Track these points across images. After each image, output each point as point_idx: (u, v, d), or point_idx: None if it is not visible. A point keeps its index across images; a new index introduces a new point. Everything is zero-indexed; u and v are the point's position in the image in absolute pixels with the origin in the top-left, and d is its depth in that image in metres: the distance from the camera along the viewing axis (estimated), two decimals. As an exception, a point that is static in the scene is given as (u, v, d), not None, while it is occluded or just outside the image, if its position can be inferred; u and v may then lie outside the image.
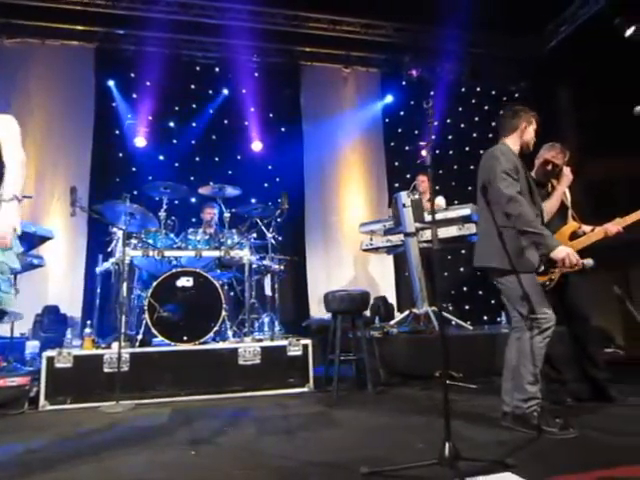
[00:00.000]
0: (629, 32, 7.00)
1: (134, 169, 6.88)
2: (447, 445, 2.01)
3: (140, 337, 4.18)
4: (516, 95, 8.60)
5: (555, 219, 3.51)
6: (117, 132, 6.96)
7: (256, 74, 7.59)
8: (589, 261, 2.75)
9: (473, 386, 4.01)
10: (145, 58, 6.94)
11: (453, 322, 5.41)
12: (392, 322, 5.32)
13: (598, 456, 2.24)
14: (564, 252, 2.66)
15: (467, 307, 7.40)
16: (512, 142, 3.02)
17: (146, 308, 4.15)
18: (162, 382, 3.90)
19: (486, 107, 8.50)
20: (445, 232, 5.11)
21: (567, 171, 3.50)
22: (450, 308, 6.73)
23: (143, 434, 2.87)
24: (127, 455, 2.47)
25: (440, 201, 5.58)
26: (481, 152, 8.73)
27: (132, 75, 7.06)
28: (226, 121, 7.43)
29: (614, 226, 3.33)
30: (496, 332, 4.85)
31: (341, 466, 2.19)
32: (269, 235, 5.47)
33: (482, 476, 1.97)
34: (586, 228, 3.49)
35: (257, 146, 7.44)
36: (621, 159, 7.64)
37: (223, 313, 4.33)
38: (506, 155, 2.89)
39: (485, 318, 7.08)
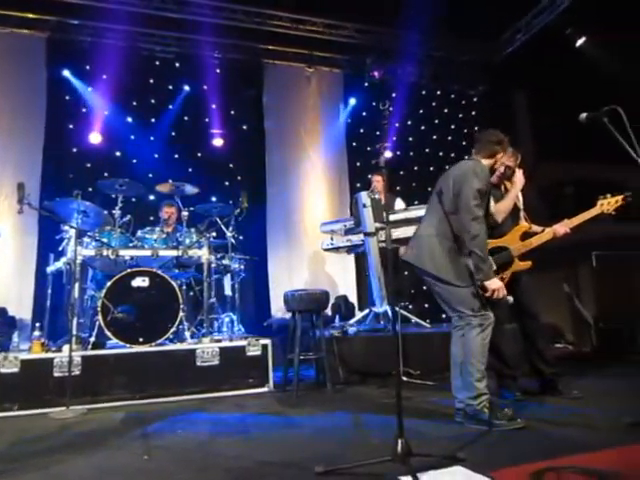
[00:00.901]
0: (579, 42, 7.34)
1: (89, 165, 6.65)
2: (400, 442, 2.04)
3: (93, 339, 4.06)
4: (474, 99, 8.83)
5: (508, 220, 3.63)
6: (71, 126, 6.72)
7: (217, 70, 7.48)
8: (510, 298, 2.92)
9: (430, 383, 4.09)
10: (101, 50, 6.70)
11: (412, 320, 5.49)
12: (352, 321, 5.36)
13: (542, 447, 2.32)
14: (497, 284, 2.81)
15: (426, 305, 7.52)
16: (487, 163, 3.10)
17: (99, 309, 4.02)
18: (116, 385, 3.79)
19: (446, 110, 8.69)
20: (404, 232, 5.16)
21: (520, 174, 3.61)
22: (410, 307, 6.85)
23: (94, 439, 2.78)
24: (76, 461, 2.39)
25: (400, 203, 5.66)
26: (440, 154, 8.92)
27: (87, 67, 6.83)
28: (186, 117, 7.28)
29: (562, 227, 3.46)
30: (453, 330, 4.94)
31: (296, 465, 2.19)
32: (229, 234, 5.41)
33: (433, 471, 2.01)
34: (537, 229, 3.61)
35: (218, 143, 7.34)
36: (571, 163, 7.96)
37: (181, 314, 4.25)
38: (484, 175, 2.96)
39: (444, 316, 7.21)
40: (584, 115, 2.78)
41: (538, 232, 3.58)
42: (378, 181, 5.56)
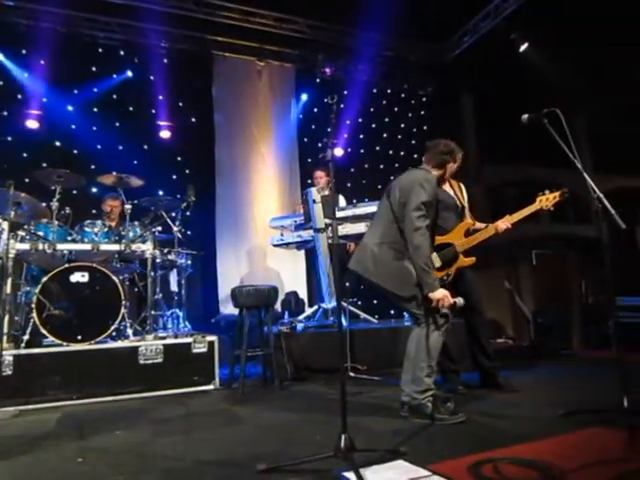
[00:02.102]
0: (523, 47, 7.62)
1: (25, 155, 6.31)
2: (343, 437, 2.04)
3: (27, 337, 3.84)
4: (424, 99, 9.00)
5: (453, 217, 3.72)
6: (5, 113, 6.34)
7: (165, 60, 7.26)
8: (460, 300, 2.93)
9: (377, 378, 4.12)
10: (40, 35, 6.34)
11: (361, 316, 5.53)
12: (300, 317, 5.34)
13: (482, 440, 2.38)
14: (441, 294, 2.82)
15: (375, 302, 7.61)
16: (436, 174, 3.13)
17: (34, 306, 3.81)
18: (51, 385, 3.60)
19: (396, 109, 8.82)
20: (353, 228, 5.20)
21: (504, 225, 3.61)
22: (358, 303, 6.90)
23: (24, 443, 2.62)
24: (2, 466, 2.24)
25: (342, 201, 5.68)
26: (390, 152, 9.02)
27: (23, 52, 6.46)
28: (131, 108, 7.03)
29: (503, 223, 3.57)
30: (400, 325, 5.03)
31: (237, 464, 2.14)
32: (175, 229, 5.25)
33: (375, 465, 2.02)
34: (480, 225, 3.71)
35: (165, 135, 7.13)
36: (514, 165, 8.28)
37: (122, 310, 4.09)
38: (430, 186, 2.96)
39: (392, 312, 7.32)
40: (526, 116, 2.87)
41: (481, 228, 3.68)
42: (321, 177, 5.56)
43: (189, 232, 6.53)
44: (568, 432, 2.41)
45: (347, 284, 5.49)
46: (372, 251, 2.99)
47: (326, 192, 5.20)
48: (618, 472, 1.84)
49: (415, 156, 7.95)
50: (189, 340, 4.14)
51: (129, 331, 4.29)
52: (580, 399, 3.15)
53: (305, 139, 8.02)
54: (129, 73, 7.01)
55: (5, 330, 3.67)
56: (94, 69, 6.91)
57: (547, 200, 3.49)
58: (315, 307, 5.44)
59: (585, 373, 4.41)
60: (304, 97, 8.09)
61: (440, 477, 1.87)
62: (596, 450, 2.12)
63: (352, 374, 4.18)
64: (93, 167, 6.19)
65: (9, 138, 6.32)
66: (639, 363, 4.08)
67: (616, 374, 2.35)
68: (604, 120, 8.19)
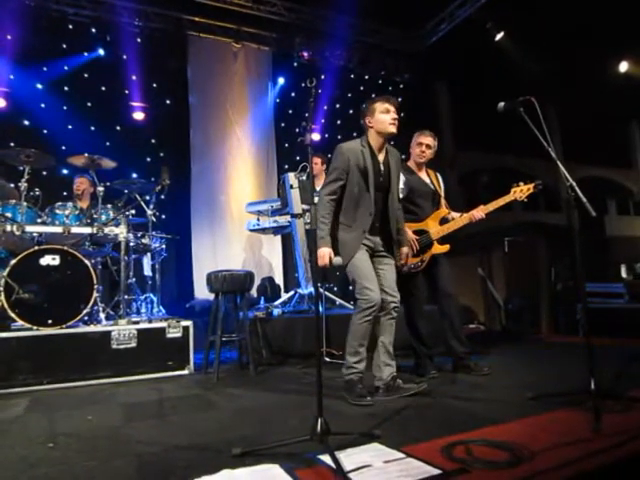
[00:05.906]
0: (499, 36, 7.67)
1: (-9, 134, 6.08)
2: (319, 421, 2.05)
3: (-7, 321, 3.74)
4: (401, 86, 8.99)
5: (428, 205, 3.77)
6: (-31, 90, 6.10)
7: (139, 40, 7.06)
8: (337, 259, 3.00)
9: (351, 363, 4.15)
10: (4, 7, 6.09)
11: (337, 302, 5.56)
12: (276, 302, 5.34)
13: (454, 422, 2.43)
14: (321, 252, 2.91)
15: (350, 288, 7.64)
16: (371, 137, 3.28)
17: (2, 289, 3.71)
18: (20, 370, 3.52)
19: (373, 95, 8.72)
20: (331, 215, 5.19)
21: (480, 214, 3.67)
22: (335, 289, 6.94)
23: (-9, 429, 2.56)
24: (-32, 454, 2.19)
25: None
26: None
27: (-12, 26, 6.20)
28: (104, 88, 6.83)
29: (478, 212, 3.62)
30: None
31: (212, 449, 2.13)
32: (149, 212, 5.16)
33: (350, 448, 2.04)
34: (455, 214, 3.76)
35: (139, 117, 6.96)
36: (488, 153, 8.38)
37: (95, 294, 4.01)
38: (335, 158, 3.16)
39: (367, 298, 7.38)
40: (502, 104, 2.89)
41: (455, 217, 3.73)
42: (315, 163, 5.52)
43: (163, 216, 6.44)
44: (537, 414, 2.48)
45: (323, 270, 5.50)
46: None
47: (320, 179, 5.17)
48: (584, 452, 1.90)
49: (392, 143, 7.95)
50: (163, 325, 4.10)
51: (101, 315, 4.23)
52: (549, 382, 3.25)
53: (282, 124, 7.95)
54: (101, 51, 6.79)
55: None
56: (64, 46, 6.68)
57: (521, 191, 3.55)
58: (291, 292, 5.44)
59: (553, 357, 4.54)
60: (281, 81, 8.00)
61: (414, 459, 1.90)
62: (564, 431, 2.18)
63: (327, 359, 4.21)
64: (64, 148, 6.02)
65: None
66: (605, 347, 4.27)
67: (583, 358, 2.42)
68: (575, 111, 8.34)
